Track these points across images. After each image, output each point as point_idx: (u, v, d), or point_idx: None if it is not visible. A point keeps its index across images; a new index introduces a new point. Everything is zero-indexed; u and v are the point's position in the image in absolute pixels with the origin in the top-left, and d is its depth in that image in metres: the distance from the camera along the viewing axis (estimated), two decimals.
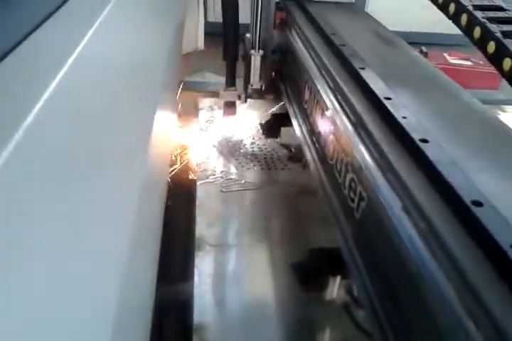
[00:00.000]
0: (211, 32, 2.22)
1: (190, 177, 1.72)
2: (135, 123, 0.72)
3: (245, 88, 1.73)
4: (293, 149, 1.84)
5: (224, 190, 1.66)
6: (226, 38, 1.67)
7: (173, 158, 1.70)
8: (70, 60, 0.55)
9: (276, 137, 1.75)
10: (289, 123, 1.56)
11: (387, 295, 0.72)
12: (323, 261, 0.99)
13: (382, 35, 1.25)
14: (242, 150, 1.87)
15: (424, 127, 0.75)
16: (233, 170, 1.75)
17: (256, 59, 1.61)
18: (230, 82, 1.78)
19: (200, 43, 2.26)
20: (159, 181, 0.89)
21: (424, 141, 0.71)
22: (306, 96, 1.24)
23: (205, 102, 2.16)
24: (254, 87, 1.67)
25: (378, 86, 0.88)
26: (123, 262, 0.49)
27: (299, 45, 1.35)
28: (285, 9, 1.57)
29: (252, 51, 1.60)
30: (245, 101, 1.79)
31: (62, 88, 0.50)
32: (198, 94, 2.23)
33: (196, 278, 1.30)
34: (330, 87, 1.02)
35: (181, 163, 1.72)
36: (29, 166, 0.42)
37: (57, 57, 0.56)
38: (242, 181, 1.70)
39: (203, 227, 1.48)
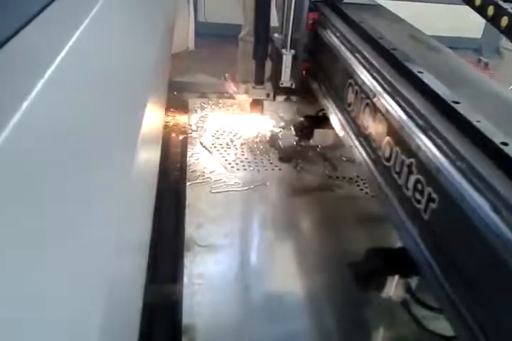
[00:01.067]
0: (201, 32, 2.20)
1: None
2: (124, 123, 0.72)
3: (274, 86, 1.75)
4: (283, 149, 1.86)
5: (213, 190, 1.63)
6: (257, 37, 1.70)
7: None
8: (58, 59, 0.56)
9: (309, 139, 1.77)
10: (323, 125, 1.62)
11: (476, 295, 0.74)
12: (381, 260, 1.01)
13: (421, 39, 1.28)
14: (232, 150, 1.86)
15: (501, 130, 0.78)
16: (223, 170, 1.73)
17: (287, 58, 1.63)
18: (259, 81, 1.81)
19: (191, 43, 2.25)
20: (148, 181, 0.89)
21: (505, 144, 0.74)
22: (350, 98, 1.25)
23: (196, 102, 2.14)
24: (284, 85, 1.69)
25: (443, 90, 0.90)
26: (110, 263, 0.49)
27: (338, 47, 1.36)
28: (317, 10, 1.58)
29: (284, 50, 1.62)
30: (274, 99, 1.81)
31: (49, 87, 0.50)
32: (187, 95, 2.20)
33: (186, 279, 1.28)
34: (386, 91, 1.03)
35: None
36: (15, 164, 0.42)
37: (45, 57, 0.56)
38: (232, 182, 1.67)
39: (192, 228, 1.46)
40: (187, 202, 1.56)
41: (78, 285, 0.42)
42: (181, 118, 2.04)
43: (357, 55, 1.22)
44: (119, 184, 0.59)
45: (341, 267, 1.22)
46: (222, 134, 1.95)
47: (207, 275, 1.30)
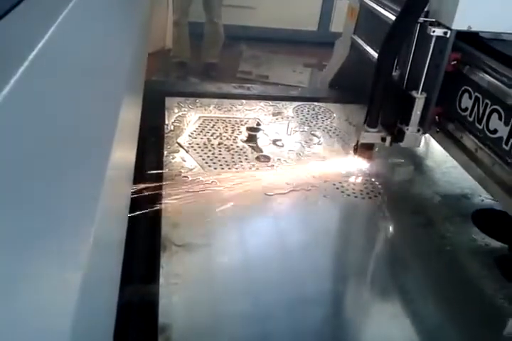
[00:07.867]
0: None
1: None
2: (99, 122, 0.72)
3: (391, 130, 1.58)
4: (261, 149, 1.88)
5: (190, 190, 1.63)
6: (377, 80, 1.49)
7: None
8: (31, 57, 0.55)
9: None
10: None
11: None
12: None
13: None
14: (209, 150, 1.85)
15: None
16: (200, 170, 1.73)
17: (419, 102, 1.46)
18: (373, 123, 1.58)
19: (168, 42, 2.24)
20: (123, 180, 0.88)
21: None
22: None
23: (173, 101, 2.13)
24: (410, 131, 1.51)
25: None
26: (85, 262, 0.48)
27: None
28: (459, 50, 1.39)
29: (414, 93, 1.46)
30: (390, 145, 1.61)
31: (21, 85, 0.50)
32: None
33: (162, 279, 1.27)
34: None
35: None
36: None
37: (18, 54, 0.55)
38: (210, 181, 1.67)
39: (168, 227, 1.45)
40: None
41: (52, 283, 0.41)
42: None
43: None
44: (94, 183, 0.58)
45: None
46: (200, 134, 1.95)
47: (183, 275, 1.29)
